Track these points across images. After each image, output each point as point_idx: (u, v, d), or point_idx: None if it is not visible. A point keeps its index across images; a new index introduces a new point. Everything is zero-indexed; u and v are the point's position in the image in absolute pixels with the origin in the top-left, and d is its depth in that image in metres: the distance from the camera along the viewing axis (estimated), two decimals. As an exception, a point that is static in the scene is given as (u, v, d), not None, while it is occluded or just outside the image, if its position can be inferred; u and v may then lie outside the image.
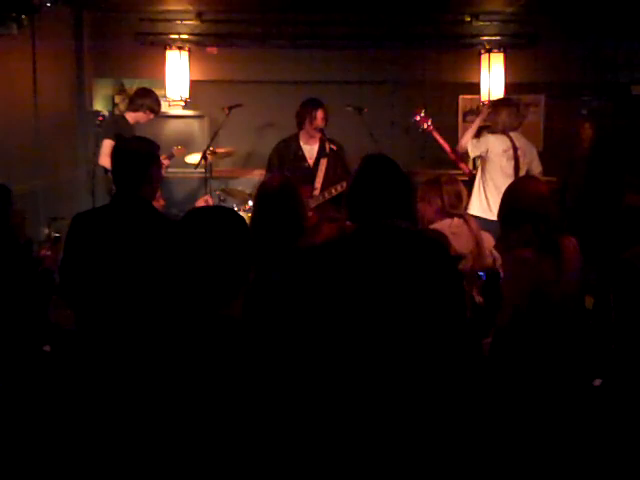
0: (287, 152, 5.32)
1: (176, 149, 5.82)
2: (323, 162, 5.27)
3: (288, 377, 1.84)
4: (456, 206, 3.75)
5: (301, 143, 5.36)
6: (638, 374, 3.82)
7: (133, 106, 5.60)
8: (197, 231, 1.60)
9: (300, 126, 5.32)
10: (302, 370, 2.17)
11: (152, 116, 5.68)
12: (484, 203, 5.36)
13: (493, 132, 5.38)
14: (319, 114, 5.22)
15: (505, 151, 5.28)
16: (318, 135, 5.25)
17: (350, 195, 2.38)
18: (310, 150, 5.36)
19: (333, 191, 5.16)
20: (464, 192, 3.84)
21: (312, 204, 5.04)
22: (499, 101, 5.73)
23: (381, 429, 2.15)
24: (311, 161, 5.34)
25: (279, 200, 2.82)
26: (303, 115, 5.27)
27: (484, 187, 5.36)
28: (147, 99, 5.57)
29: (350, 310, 2.20)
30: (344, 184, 4.95)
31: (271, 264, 2.64)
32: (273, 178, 2.98)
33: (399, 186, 2.33)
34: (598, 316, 5.18)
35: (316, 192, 5.19)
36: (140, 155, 2.92)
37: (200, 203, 4.16)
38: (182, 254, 1.57)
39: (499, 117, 5.35)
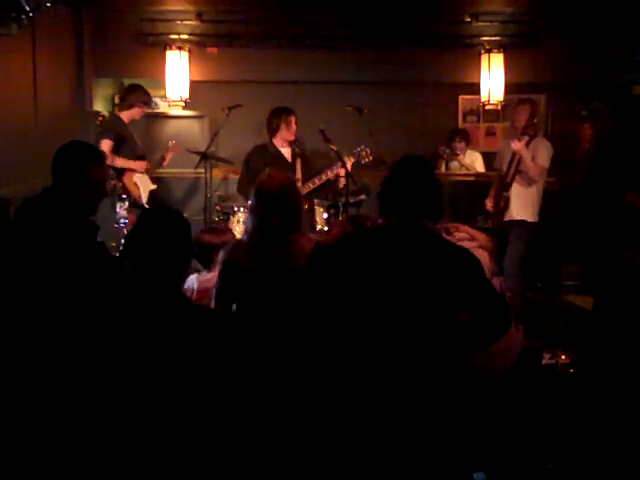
0: (265, 155, 5.56)
1: (171, 144, 5.83)
2: (298, 162, 5.65)
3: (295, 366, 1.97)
4: None
5: (278, 147, 5.63)
6: (638, 373, 3.83)
7: (127, 104, 5.59)
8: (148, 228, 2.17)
9: (275, 133, 5.58)
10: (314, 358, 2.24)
11: (146, 109, 5.68)
12: (536, 208, 5.30)
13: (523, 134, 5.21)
14: (294, 120, 5.56)
15: None
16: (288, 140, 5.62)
17: (382, 192, 2.45)
18: (286, 152, 5.66)
19: (317, 181, 5.47)
20: None
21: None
22: (522, 102, 5.41)
23: (385, 422, 2.16)
24: (290, 162, 5.63)
25: (281, 198, 2.89)
26: (279, 122, 5.55)
27: (537, 192, 5.27)
28: (138, 94, 5.59)
29: (362, 300, 2.25)
30: (328, 172, 5.43)
31: (274, 259, 2.80)
32: (272, 177, 3.00)
33: (428, 187, 2.38)
34: (598, 316, 5.20)
35: (299, 184, 5.43)
36: None
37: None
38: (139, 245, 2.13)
39: (524, 116, 5.20)
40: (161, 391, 1.97)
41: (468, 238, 2.98)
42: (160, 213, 2.27)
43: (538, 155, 5.16)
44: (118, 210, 5.17)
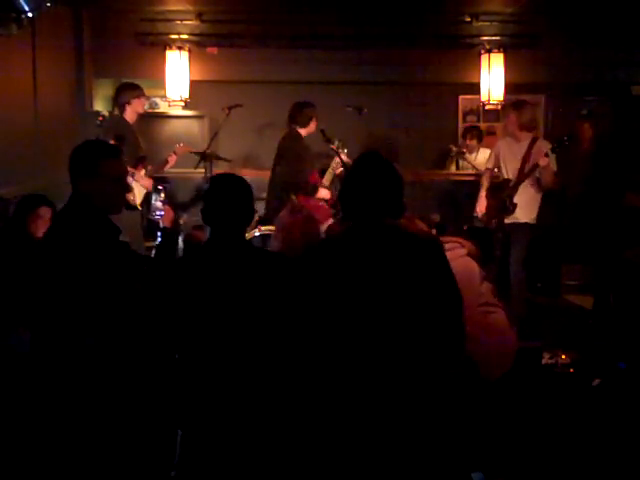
0: (305, 145, 5.52)
1: (179, 147, 5.76)
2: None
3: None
4: None
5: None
6: (638, 373, 3.83)
7: (124, 102, 5.45)
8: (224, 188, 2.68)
9: (306, 125, 5.45)
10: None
11: (144, 99, 5.56)
12: (537, 210, 5.24)
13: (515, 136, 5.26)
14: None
15: None
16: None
17: (342, 193, 2.40)
18: None
19: (331, 171, 5.49)
20: None
21: (326, 183, 5.54)
22: (518, 103, 5.37)
23: (382, 421, 2.16)
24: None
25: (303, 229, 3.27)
26: (311, 115, 5.44)
27: (541, 195, 5.24)
28: (128, 90, 5.43)
29: (336, 306, 2.22)
30: (331, 169, 5.47)
31: None
32: (294, 211, 3.30)
33: (389, 185, 2.33)
34: (598, 316, 5.21)
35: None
36: None
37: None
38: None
39: (532, 116, 5.26)
40: (241, 317, 2.44)
41: (459, 246, 2.99)
42: (227, 176, 2.90)
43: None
44: (153, 202, 5.05)
